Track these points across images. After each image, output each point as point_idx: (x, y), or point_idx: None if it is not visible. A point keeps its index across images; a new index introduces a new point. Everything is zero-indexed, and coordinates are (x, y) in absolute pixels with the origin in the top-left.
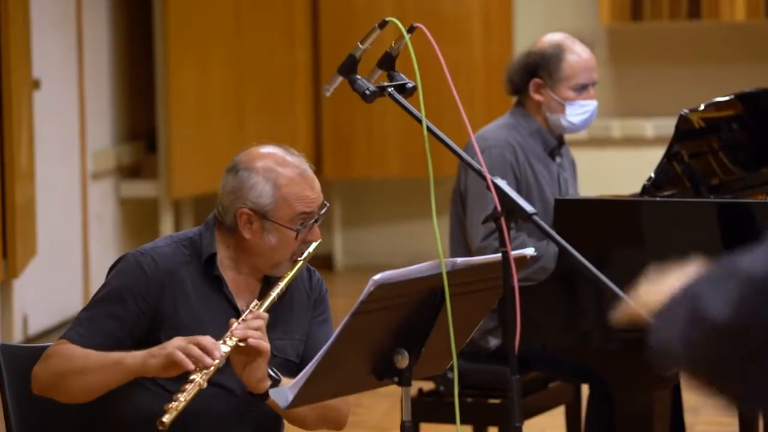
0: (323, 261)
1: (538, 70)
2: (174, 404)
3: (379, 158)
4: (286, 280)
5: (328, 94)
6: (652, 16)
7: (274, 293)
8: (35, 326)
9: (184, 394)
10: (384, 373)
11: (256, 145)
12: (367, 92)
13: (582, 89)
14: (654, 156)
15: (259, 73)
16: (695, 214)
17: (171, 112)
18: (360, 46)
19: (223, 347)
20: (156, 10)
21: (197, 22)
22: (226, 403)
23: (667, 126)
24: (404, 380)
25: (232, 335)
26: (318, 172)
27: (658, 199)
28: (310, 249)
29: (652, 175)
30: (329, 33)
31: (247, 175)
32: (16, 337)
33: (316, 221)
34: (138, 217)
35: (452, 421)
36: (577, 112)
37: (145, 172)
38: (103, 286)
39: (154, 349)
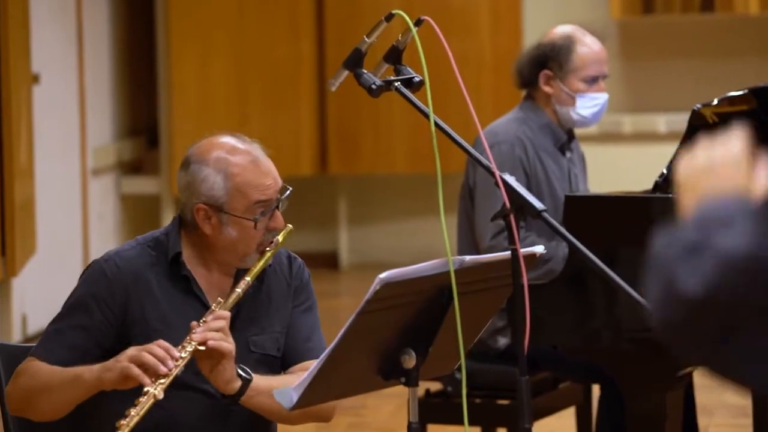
0: (328, 258)
1: (548, 62)
2: (125, 420)
3: (386, 154)
4: (252, 274)
5: (333, 88)
6: (664, 9)
7: (239, 289)
8: (34, 326)
9: (137, 407)
10: (390, 373)
11: (208, 136)
12: (374, 86)
13: (593, 81)
14: (666, 152)
15: (262, 66)
16: None
17: (173, 106)
18: (366, 39)
19: (183, 353)
20: (158, 2)
21: (200, 14)
22: (204, 406)
23: (680, 121)
24: (411, 380)
25: (191, 339)
26: (323, 167)
27: (670, 195)
28: (279, 237)
29: (665, 171)
30: (335, 26)
31: (198, 168)
32: (15, 337)
33: (276, 207)
34: (139, 214)
35: (460, 423)
36: (588, 104)
37: (147, 168)
38: (70, 296)
39: (109, 363)
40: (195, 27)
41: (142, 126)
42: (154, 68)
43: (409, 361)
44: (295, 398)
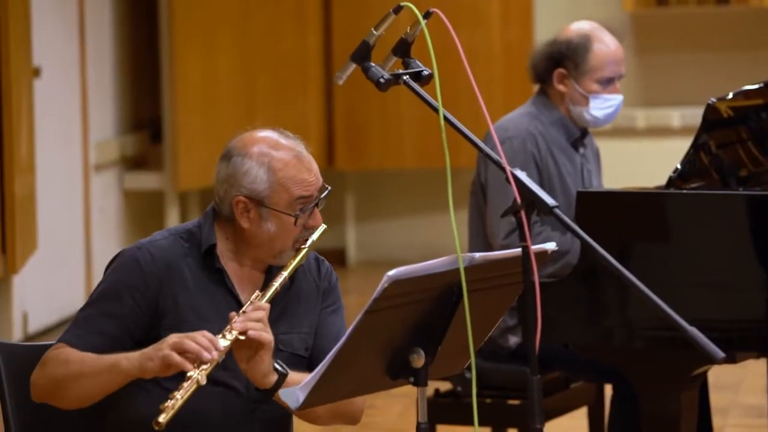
0: (336, 255)
1: (563, 60)
2: (170, 403)
3: (394, 149)
4: (289, 269)
5: (340, 82)
6: (678, 1)
7: (277, 283)
8: (35, 324)
9: (181, 391)
10: (399, 372)
11: (249, 130)
12: (382, 80)
13: (608, 83)
14: (680, 147)
15: (268, 59)
16: (723, 207)
17: (177, 100)
18: (374, 32)
19: (222, 341)
20: None
21: (204, 5)
22: (231, 403)
23: (694, 115)
24: (420, 380)
25: (232, 329)
26: (330, 163)
27: (684, 191)
28: (314, 236)
29: (679, 166)
30: (342, 18)
31: (240, 161)
32: (16, 336)
33: (316, 205)
34: (142, 211)
35: (470, 423)
36: (601, 106)
37: (150, 163)
38: (100, 284)
39: (150, 351)
40: (199, 19)
41: (145, 120)
42: (157, 61)
43: (418, 360)
44: (301, 398)
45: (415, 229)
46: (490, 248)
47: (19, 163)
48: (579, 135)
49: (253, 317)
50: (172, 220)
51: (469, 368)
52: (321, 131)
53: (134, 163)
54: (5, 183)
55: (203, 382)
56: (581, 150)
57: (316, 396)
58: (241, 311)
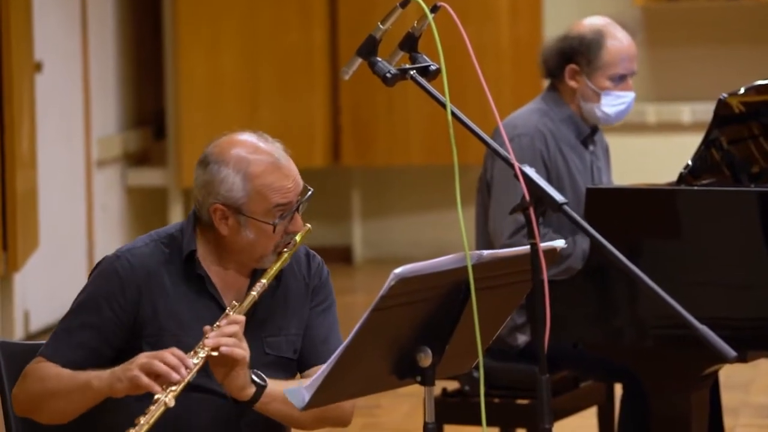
0: (341, 253)
1: (575, 56)
2: (134, 430)
3: (401, 145)
4: (268, 276)
5: (346, 77)
6: None
7: (255, 292)
8: (37, 323)
9: (147, 416)
10: (406, 372)
11: (227, 134)
12: (388, 75)
13: (620, 80)
14: (691, 142)
15: (274, 53)
16: (735, 204)
17: (181, 95)
18: (381, 26)
19: (194, 359)
20: None
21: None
22: (219, 408)
23: (705, 111)
24: (427, 379)
25: (204, 345)
26: (336, 159)
27: (695, 187)
28: (297, 237)
29: (689, 162)
30: (348, 11)
31: (216, 168)
32: (17, 334)
33: (297, 210)
34: (146, 208)
35: (478, 423)
36: (613, 103)
37: (154, 159)
38: (79, 294)
39: (119, 371)
40: (204, 13)
41: (149, 116)
42: (161, 56)
43: (425, 359)
44: (307, 398)
45: (422, 226)
46: (494, 246)
47: (20, 158)
48: (589, 132)
49: (226, 332)
50: (176, 217)
51: (477, 367)
52: (327, 127)
53: (137, 159)
54: (6, 179)
55: (171, 404)
56: (591, 147)
57: (322, 395)
58: (215, 325)
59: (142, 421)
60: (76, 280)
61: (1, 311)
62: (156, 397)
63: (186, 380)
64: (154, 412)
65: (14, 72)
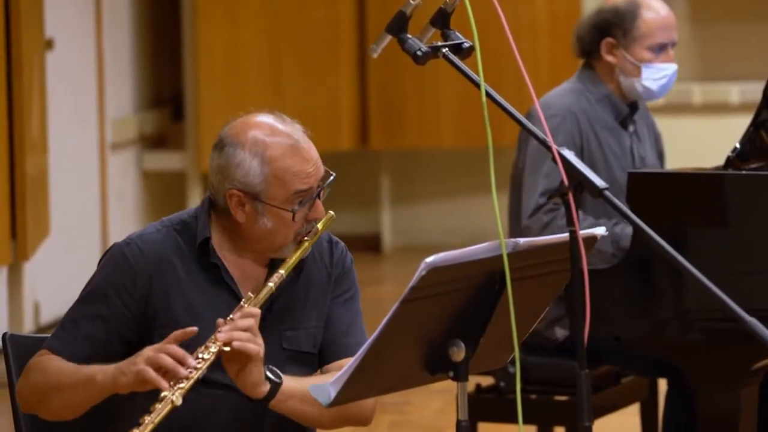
0: (370, 241)
1: (611, 29)
2: (139, 429)
3: (432, 126)
4: (287, 266)
5: (375, 54)
6: None
7: (272, 284)
8: (48, 315)
9: (153, 414)
10: (437, 367)
11: (244, 115)
12: (419, 53)
13: (660, 50)
14: (739, 124)
15: (298, 29)
16: None
17: (200, 74)
18: (411, 1)
19: (205, 354)
20: None
21: None
22: (238, 406)
23: (754, 91)
24: (460, 375)
25: (216, 339)
26: (364, 142)
27: (743, 172)
28: (319, 225)
29: (737, 145)
30: None
31: (232, 151)
32: (27, 327)
33: (318, 196)
34: (163, 193)
35: (514, 421)
36: (655, 76)
37: (171, 142)
38: (87, 283)
39: (124, 364)
40: None
41: (166, 96)
42: (179, 33)
43: (458, 353)
44: (333, 394)
45: (454, 212)
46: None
47: (30, 142)
48: (628, 112)
49: (240, 326)
50: (194, 203)
51: (512, 362)
52: (354, 108)
53: (154, 141)
54: (16, 163)
55: (178, 402)
56: (631, 128)
57: (349, 392)
58: (229, 318)
59: (147, 420)
60: (89, 270)
61: (9, 303)
62: (162, 394)
63: (195, 378)
64: (160, 410)
65: (23, 49)
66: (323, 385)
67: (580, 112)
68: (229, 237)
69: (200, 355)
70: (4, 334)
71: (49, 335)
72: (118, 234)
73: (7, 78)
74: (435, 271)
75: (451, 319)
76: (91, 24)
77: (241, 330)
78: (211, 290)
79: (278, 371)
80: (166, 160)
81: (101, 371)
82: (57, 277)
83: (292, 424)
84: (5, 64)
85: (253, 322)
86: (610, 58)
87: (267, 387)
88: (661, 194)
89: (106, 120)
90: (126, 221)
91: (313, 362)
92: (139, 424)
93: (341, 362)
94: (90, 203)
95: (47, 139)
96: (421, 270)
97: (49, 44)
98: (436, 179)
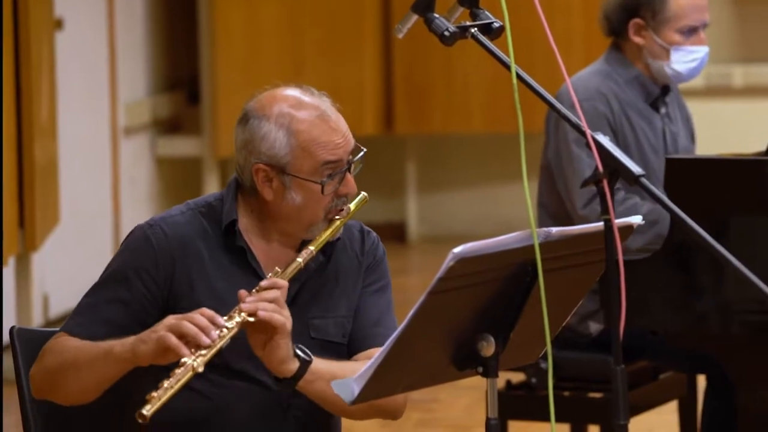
0: (394, 230)
1: (639, 9)
2: (158, 393)
3: (460, 111)
4: (318, 243)
5: (400, 35)
6: None
7: (301, 258)
8: (57, 307)
9: (172, 379)
10: (466, 362)
11: (269, 88)
12: (447, 33)
13: (691, 32)
14: None
15: (319, 9)
16: None
17: (216, 56)
18: None
19: (229, 324)
20: None
21: None
22: (260, 400)
23: None
24: (490, 371)
25: (240, 310)
26: (389, 127)
27: None
28: (351, 205)
29: None
30: None
31: (257, 124)
32: (36, 320)
33: (348, 170)
34: (177, 179)
35: (545, 419)
36: (684, 59)
37: (186, 126)
38: (108, 265)
39: (144, 333)
40: None
41: (182, 78)
42: (195, 12)
43: (488, 348)
44: (356, 391)
45: (483, 200)
46: (560, 224)
47: (39, 126)
48: (659, 93)
49: (266, 297)
50: (211, 190)
51: (544, 357)
52: (378, 91)
53: (168, 126)
54: (24, 149)
55: (200, 369)
56: (663, 110)
57: (373, 388)
58: (254, 290)
59: (166, 384)
60: (101, 260)
61: (17, 295)
62: (183, 360)
63: (218, 346)
64: (181, 376)
65: (32, 30)
66: (347, 381)
67: (610, 93)
68: (257, 220)
69: (224, 325)
70: (12, 328)
71: (59, 329)
72: (131, 223)
73: (15, 60)
74: (463, 261)
75: (480, 313)
76: (103, 3)
77: (266, 301)
78: (236, 274)
79: (307, 350)
80: (181, 146)
81: (120, 343)
82: (67, 268)
83: (316, 420)
84: (13, 44)
85: (278, 294)
86: (637, 40)
87: (296, 365)
88: (701, 181)
89: (119, 103)
90: (139, 209)
91: (342, 353)
92: (158, 388)
93: (371, 351)
94: (101, 191)
95: (57, 124)
96: (448, 260)
97: (58, 24)
98: (465, 166)
